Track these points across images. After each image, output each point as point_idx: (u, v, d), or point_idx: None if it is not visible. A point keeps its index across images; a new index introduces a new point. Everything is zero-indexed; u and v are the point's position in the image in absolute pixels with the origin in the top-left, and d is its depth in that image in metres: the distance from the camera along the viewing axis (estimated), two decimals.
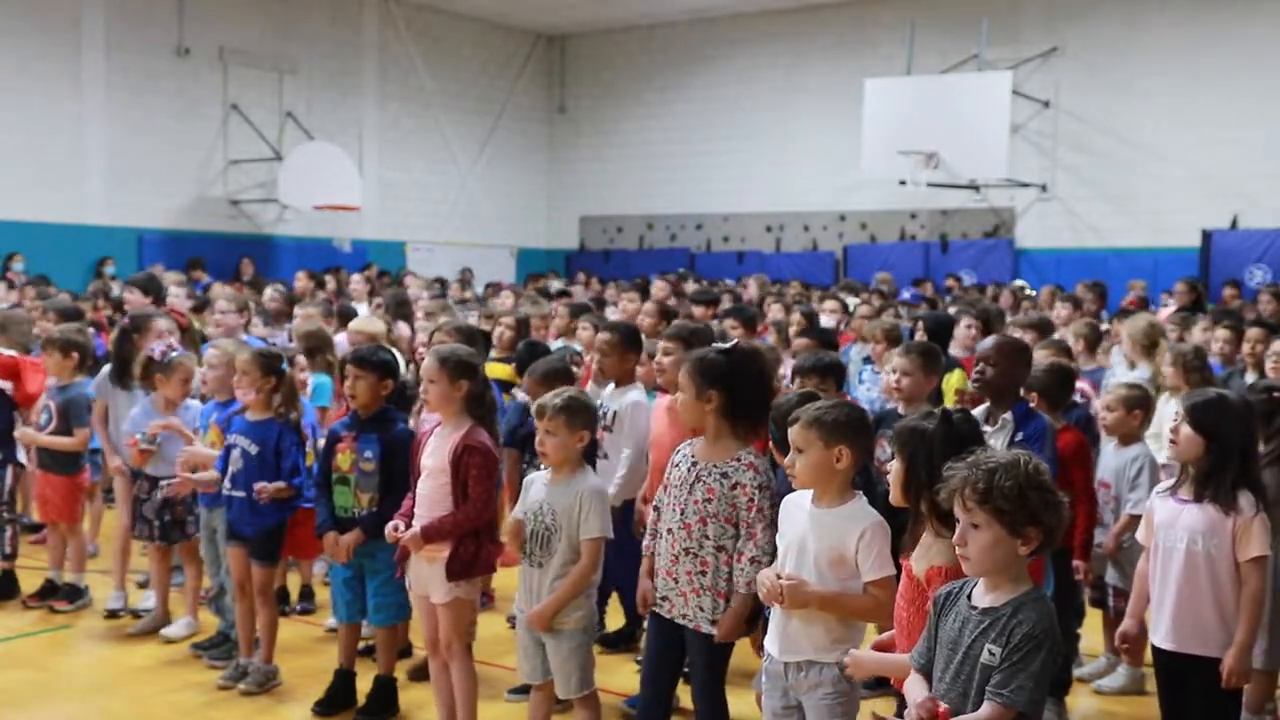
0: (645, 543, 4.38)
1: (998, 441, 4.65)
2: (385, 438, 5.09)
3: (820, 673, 3.58)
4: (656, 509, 4.31)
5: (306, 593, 6.87)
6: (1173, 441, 4.18)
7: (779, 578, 3.54)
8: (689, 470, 4.13)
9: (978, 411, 4.89)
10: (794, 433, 3.61)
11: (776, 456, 4.30)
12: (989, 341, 5.21)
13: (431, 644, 4.79)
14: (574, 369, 6.49)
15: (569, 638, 4.36)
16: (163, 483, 5.86)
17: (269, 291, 10.86)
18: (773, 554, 3.92)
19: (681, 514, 4.10)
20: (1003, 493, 2.77)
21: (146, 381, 6.37)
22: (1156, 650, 4.14)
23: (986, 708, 2.76)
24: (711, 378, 4.15)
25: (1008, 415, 4.86)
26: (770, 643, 3.70)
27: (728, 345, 4.48)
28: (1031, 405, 5.11)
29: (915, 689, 2.97)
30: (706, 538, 4.06)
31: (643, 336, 6.36)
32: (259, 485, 5.35)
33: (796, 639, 3.60)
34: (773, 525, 3.94)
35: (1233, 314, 10.37)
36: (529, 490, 4.49)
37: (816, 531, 3.57)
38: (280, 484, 5.40)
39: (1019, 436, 4.73)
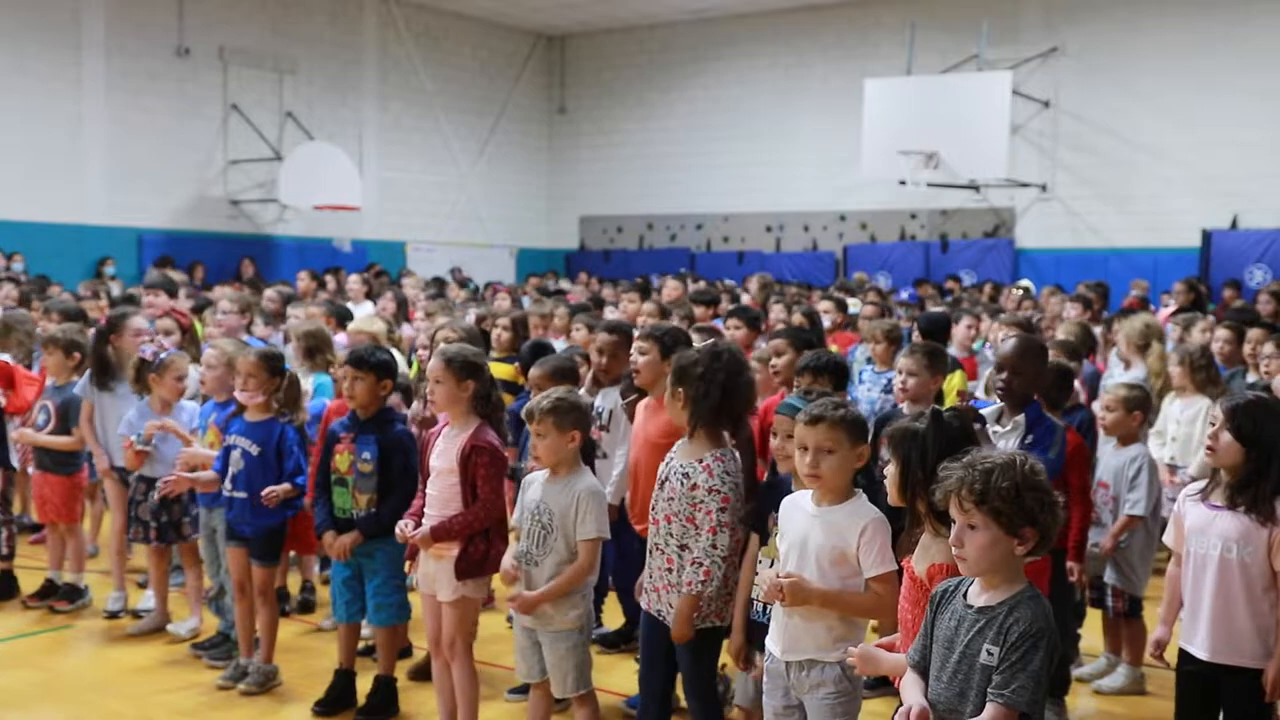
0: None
1: (1009, 443, 4.63)
2: (383, 439, 5.08)
3: (822, 672, 3.58)
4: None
5: (307, 590, 6.87)
6: (1210, 449, 3.98)
7: (779, 576, 3.55)
8: (665, 467, 4.24)
9: (989, 412, 4.85)
10: (818, 432, 3.57)
11: (778, 460, 4.31)
12: (1009, 347, 5.01)
13: (435, 642, 4.79)
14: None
15: (564, 637, 4.35)
16: (159, 482, 5.84)
17: (269, 293, 10.86)
18: (728, 557, 4.03)
19: (654, 509, 4.22)
20: (999, 493, 2.77)
21: (140, 383, 6.30)
22: (1186, 657, 4.01)
23: (989, 709, 2.75)
24: (679, 377, 4.26)
25: (1020, 417, 4.81)
26: (772, 642, 3.70)
27: (703, 345, 4.52)
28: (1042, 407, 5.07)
29: (910, 689, 2.97)
30: (671, 535, 4.16)
31: None
32: (266, 491, 5.35)
33: (798, 638, 3.60)
34: (727, 529, 4.03)
35: (1234, 313, 10.35)
36: (527, 490, 4.50)
37: (818, 530, 3.58)
38: (286, 486, 5.40)
39: (1029, 439, 4.70)
